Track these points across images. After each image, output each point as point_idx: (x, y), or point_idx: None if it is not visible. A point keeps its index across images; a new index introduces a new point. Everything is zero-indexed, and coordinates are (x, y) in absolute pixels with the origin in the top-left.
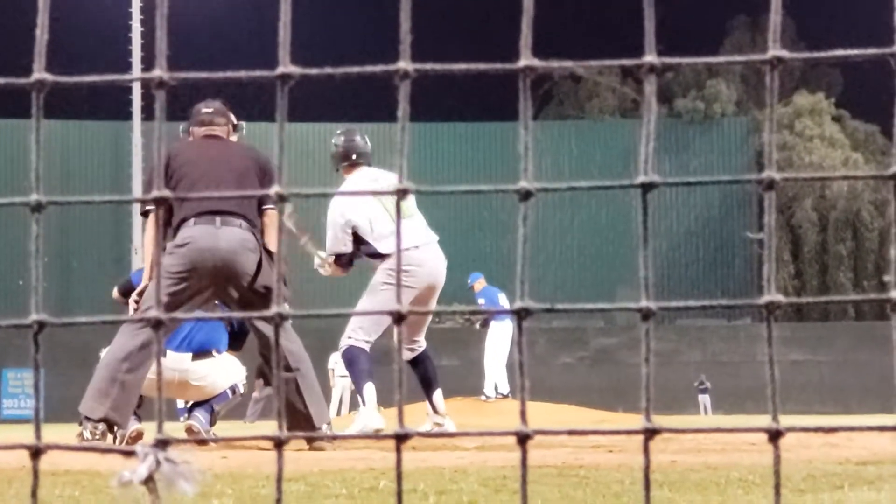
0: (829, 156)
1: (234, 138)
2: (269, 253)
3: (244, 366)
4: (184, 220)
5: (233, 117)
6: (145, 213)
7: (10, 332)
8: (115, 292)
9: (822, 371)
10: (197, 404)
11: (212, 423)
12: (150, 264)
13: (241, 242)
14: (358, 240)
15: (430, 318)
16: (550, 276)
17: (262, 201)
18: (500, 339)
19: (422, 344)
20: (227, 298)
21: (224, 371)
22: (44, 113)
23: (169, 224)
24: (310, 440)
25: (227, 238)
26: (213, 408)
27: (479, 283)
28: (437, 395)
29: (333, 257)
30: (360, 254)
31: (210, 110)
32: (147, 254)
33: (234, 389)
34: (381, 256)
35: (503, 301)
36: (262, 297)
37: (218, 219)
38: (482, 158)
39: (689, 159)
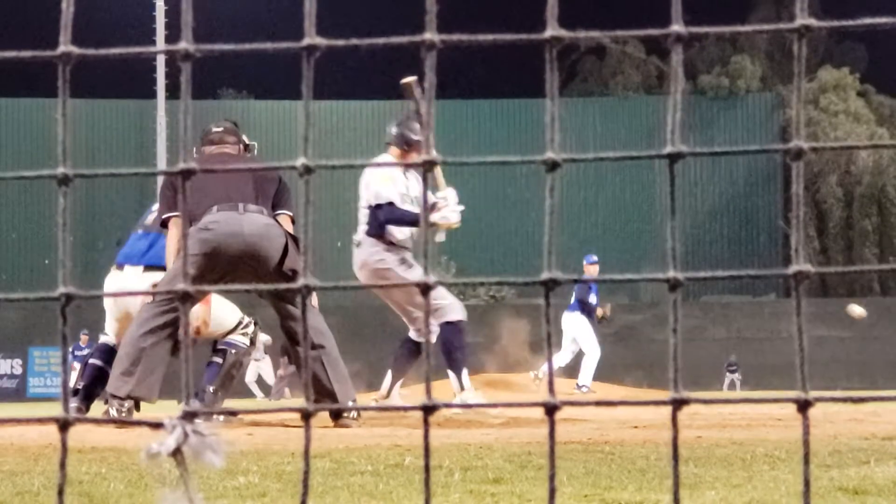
0: (854, 131)
1: (247, 156)
2: (293, 237)
3: (268, 337)
4: (206, 211)
5: (244, 137)
6: (164, 223)
7: (37, 311)
8: None
9: (847, 347)
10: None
11: (216, 394)
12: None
13: (265, 227)
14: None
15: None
16: (575, 254)
17: (275, 206)
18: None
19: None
20: (252, 282)
21: (222, 311)
22: (69, 91)
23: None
24: (336, 417)
25: (250, 222)
26: (207, 388)
27: (592, 269)
28: (462, 374)
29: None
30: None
31: (220, 129)
32: (170, 259)
33: (225, 352)
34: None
35: (592, 298)
36: (289, 281)
37: (241, 205)
38: (506, 135)
39: (713, 136)
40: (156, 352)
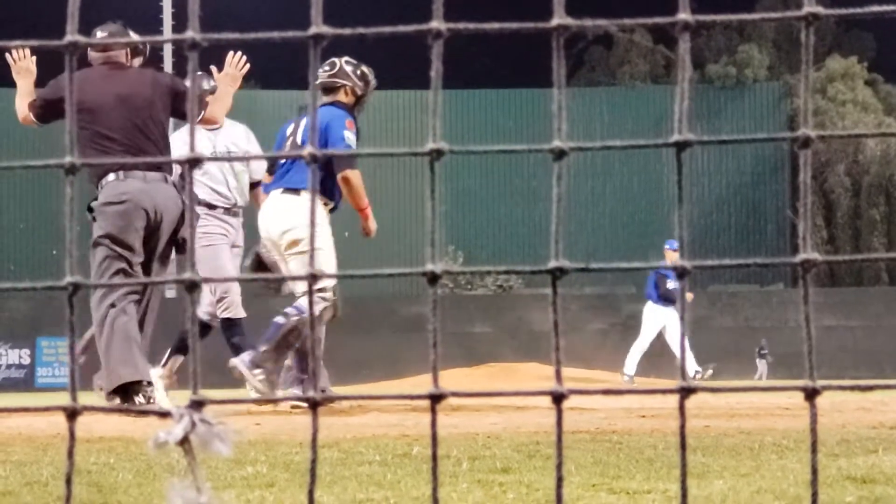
0: (861, 120)
1: (136, 62)
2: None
3: None
4: (106, 173)
5: (134, 35)
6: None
7: (44, 301)
8: None
9: (855, 336)
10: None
11: (271, 362)
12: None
13: (168, 197)
14: None
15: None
16: (582, 244)
17: (184, 115)
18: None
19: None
20: (146, 251)
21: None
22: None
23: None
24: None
25: (159, 192)
26: (259, 346)
27: (672, 255)
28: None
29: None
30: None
31: (105, 34)
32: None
33: (288, 314)
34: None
35: (671, 284)
36: (178, 249)
37: (146, 174)
38: (513, 125)
39: (720, 125)
40: (135, 329)
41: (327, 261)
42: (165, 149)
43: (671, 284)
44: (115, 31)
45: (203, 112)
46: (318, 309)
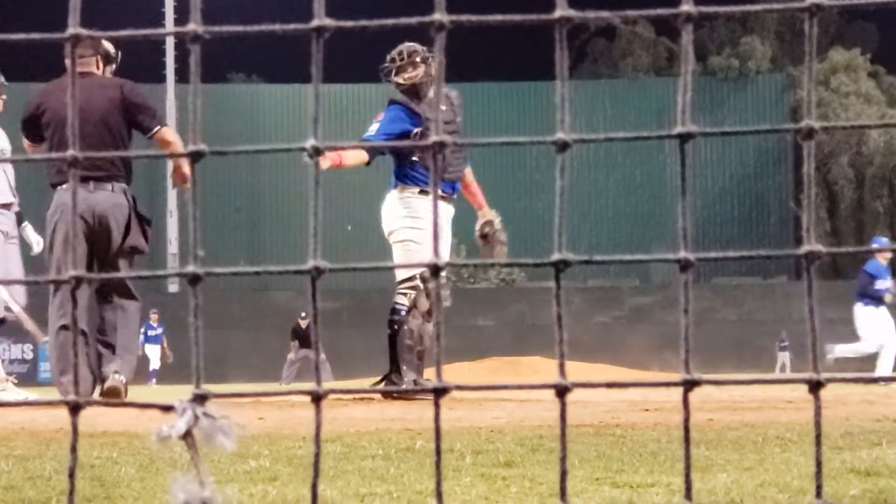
0: (864, 112)
1: (108, 71)
2: (138, 216)
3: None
4: (58, 184)
5: (107, 46)
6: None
7: (47, 296)
8: None
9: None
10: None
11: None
12: None
13: (112, 205)
14: None
15: None
16: (585, 236)
17: (145, 129)
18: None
19: None
20: (93, 258)
21: (412, 254)
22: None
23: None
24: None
25: (99, 200)
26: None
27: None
28: None
29: None
30: None
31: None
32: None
33: (392, 323)
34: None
35: (880, 284)
36: (126, 257)
37: (91, 184)
38: (516, 118)
39: (723, 117)
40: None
41: (418, 253)
42: (122, 159)
43: (881, 284)
44: (87, 42)
45: (160, 127)
46: (409, 300)
